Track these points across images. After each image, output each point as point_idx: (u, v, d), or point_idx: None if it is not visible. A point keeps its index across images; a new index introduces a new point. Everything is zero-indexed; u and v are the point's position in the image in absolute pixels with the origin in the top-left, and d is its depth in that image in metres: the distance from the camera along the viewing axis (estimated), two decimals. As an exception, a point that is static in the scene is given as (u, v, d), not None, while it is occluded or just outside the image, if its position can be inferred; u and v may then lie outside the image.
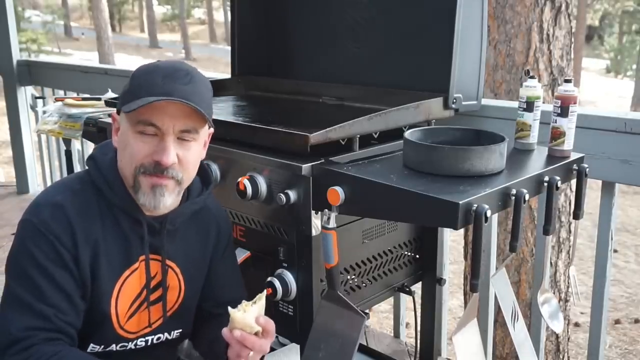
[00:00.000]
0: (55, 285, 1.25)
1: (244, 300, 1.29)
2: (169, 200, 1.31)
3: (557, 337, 3.30)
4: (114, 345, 1.37)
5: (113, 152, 1.36)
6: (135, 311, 1.38)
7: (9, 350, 1.20)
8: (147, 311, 1.39)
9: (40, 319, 1.23)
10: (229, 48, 2.53)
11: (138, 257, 1.36)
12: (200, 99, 1.27)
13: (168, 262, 1.40)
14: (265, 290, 1.36)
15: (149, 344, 1.42)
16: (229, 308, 1.26)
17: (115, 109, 1.41)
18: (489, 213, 1.22)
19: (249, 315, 1.26)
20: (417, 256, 1.97)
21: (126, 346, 1.39)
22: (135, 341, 1.40)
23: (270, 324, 1.30)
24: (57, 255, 1.25)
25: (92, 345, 1.35)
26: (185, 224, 1.43)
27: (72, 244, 1.27)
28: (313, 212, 1.50)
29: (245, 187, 1.56)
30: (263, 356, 1.35)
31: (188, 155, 1.30)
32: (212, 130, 1.42)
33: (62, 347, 1.24)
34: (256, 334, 1.27)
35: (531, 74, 1.68)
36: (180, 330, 1.46)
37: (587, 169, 1.60)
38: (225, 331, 1.26)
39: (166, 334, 1.44)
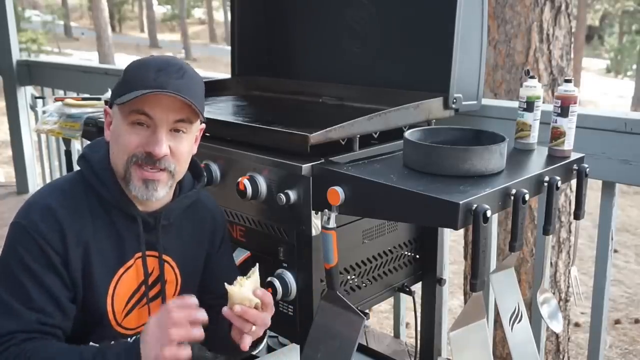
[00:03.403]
0: (43, 288, 1.24)
1: (238, 277, 1.29)
2: (161, 192, 1.32)
3: (558, 337, 3.30)
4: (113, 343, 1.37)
5: (104, 149, 1.36)
6: (132, 308, 1.38)
7: None
8: (147, 307, 1.39)
9: (23, 322, 1.21)
10: (229, 48, 2.53)
11: (132, 254, 1.36)
12: (193, 94, 1.28)
13: (164, 257, 1.40)
14: (257, 264, 1.33)
15: None
16: (226, 284, 1.26)
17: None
18: (489, 213, 1.22)
19: (245, 289, 1.26)
20: (417, 256, 1.97)
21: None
22: (134, 337, 1.39)
23: (268, 296, 1.29)
24: (45, 258, 1.24)
25: (91, 343, 1.35)
26: (180, 218, 1.43)
27: (61, 246, 1.26)
28: (313, 212, 1.50)
29: (245, 187, 1.56)
30: (265, 332, 1.35)
31: (180, 146, 1.31)
32: (203, 125, 1.43)
33: (39, 342, 1.21)
34: (255, 307, 1.26)
35: (531, 74, 1.68)
36: None
37: (587, 169, 1.60)
38: (225, 310, 1.26)
39: None
